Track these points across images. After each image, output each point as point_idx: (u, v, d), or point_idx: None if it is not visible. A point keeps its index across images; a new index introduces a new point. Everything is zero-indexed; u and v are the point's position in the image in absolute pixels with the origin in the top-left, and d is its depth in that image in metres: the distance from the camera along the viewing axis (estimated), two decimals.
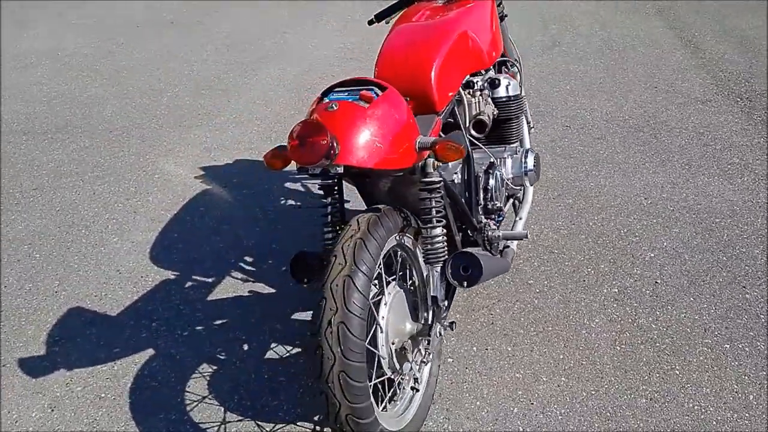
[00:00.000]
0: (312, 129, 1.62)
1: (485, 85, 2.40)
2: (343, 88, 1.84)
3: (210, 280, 2.77)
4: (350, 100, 1.75)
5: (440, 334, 1.94)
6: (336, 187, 2.02)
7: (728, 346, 2.26)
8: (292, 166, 1.74)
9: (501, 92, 2.42)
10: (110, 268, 2.85)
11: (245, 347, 2.42)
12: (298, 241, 2.96)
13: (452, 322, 1.96)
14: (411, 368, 1.90)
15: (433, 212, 1.90)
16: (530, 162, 2.46)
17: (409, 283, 2.03)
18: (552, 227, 2.91)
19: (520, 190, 2.57)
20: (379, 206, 1.89)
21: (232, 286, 2.72)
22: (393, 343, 1.87)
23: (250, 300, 2.65)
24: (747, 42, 4.54)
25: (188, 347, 2.42)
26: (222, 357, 2.38)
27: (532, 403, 2.12)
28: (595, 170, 3.32)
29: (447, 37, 2.18)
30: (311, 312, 2.55)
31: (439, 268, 1.91)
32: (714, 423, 2.00)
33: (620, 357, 2.25)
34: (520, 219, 2.49)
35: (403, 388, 1.96)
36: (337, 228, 2.02)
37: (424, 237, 1.92)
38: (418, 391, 1.96)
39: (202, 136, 3.96)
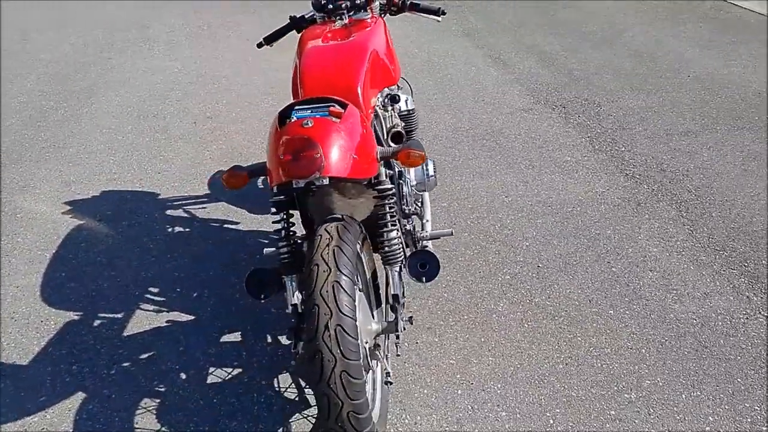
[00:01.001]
0: (304, 144, 1.69)
1: (387, 100, 2.59)
2: (304, 107, 1.91)
3: (119, 315, 2.63)
4: (321, 116, 1.84)
5: (404, 329, 2.08)
6: (290, 204, 2.08)
7: (612, 311, 2.66)
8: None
9: (402, 106, 2.62)
10: (5, 316, 2.59)
11: (183, 376, 2.36)
12: (200, 267, 2.91)
13: (410, 317, 2.10)
14: (383, 365, 2.01)
15: (388, 217, 2.04)
16: (431, 169, 2.68)
17: (361, 286, 2.15)
18: (437, 228, 3.16)
19: (422, 195, 2.79)
20: (337, 215, 1.99)
21: (145, 319, 2.61)
22: (366, 343, 1.97)
23: (171, 329, 2.56)
24: (546, 57, 5.22)
25: (121, 385, 2.30)
26: (162, 389, 2.29)
27: (472, 383, 2.33)
28: (457, 175, 3.65)
29: (363, 56, 2.32)
30: (241, 332, 2.55)
31: (398, 268, 2.05)
32: (620, 376, 2.35)
33: (530, 332, 2.55)
34: (427, 221, 2.70)
35: (375, 385, 2.07)
36: (292, 242, 2.07)
37: (381, 240, 2.05)
38: (391, 384, 2.08)
39: (54, 169, 3.68)
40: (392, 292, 2.06)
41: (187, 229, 3.18)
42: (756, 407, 2.21)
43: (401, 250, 2.06)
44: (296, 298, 2.07)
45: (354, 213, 2.10)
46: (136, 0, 7.05)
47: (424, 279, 2.04)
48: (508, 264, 2.93)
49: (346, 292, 1.76)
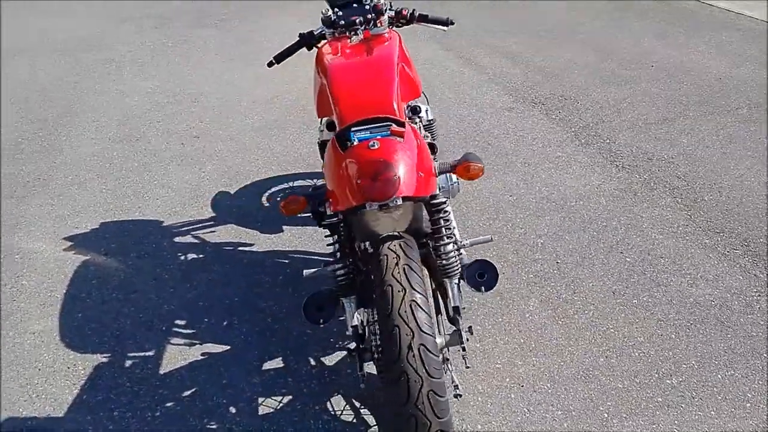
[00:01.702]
0: (381, 166, 1.66)
1: (409, 112, 2.57)
2: (362, 128, 1.88)
3: (150, 353, 2.53)
4: (384, 137, 1.81)
5: (467, 340, 2.07)
6: (342, 225, 2.04)
7: (636, 300, 2.71)
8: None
9: (424, 117, 2.61)
10: (27, 366, 2.45)
11: (232, 410, 2.28)
12: (223, 293, 2.82)
13: (470, 327, 2.09)
14: (452, 377, 2.00)
15: (444, 230, 2.02)
16: (454, 176, 2.67)
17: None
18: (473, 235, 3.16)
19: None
20: (393, 233, 1.96)
21: (179, 354, 2.52)
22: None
23: (209, 362, 2.48)
24: (514, 57, 5.28)
25: (169, 426, 2.21)
26: (213, 427, 2.22)
27: (522, 386, 2.34)
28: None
29: (392, 71, 2.30)
30: (281, 357, 2.49)
31: (456, 280, 2.04)
32: (658, 362, 2.40)
33: (565, 329, 2.58)
34: (455, 227, 2.70)
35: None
36: (348, 262, 2.03)
37: (439, 254, 2.03)
38: (461, 396, 2.06)
39: (45, 204, 3.50)
40: (452, 304, 2.04)
41: (201, 255, 3.08)
42: None
43: (458, 262, 2.04)
44: (356, 319, 2.04)
45: (401, 228, 2.07)
46: (88, 18, 6.79)
47: (483, 288, 2.03)
48: (528, 263, 2.95)
49: (423, 310, 1.74)
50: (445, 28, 2.78)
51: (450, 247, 2.02)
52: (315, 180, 3.68)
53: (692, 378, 2.34)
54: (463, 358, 2.03)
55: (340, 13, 2.66)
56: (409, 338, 1.70)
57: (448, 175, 2.63)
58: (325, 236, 2.05)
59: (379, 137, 1.81)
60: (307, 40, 2.74)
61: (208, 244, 3.17)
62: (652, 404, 2.25)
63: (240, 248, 3.13)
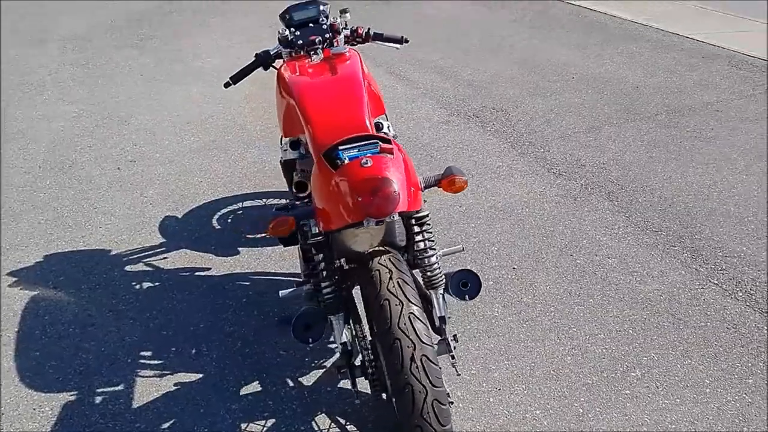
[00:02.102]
0: (381, 183, 1.69)
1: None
2: (350, 146, 1.90)
3: (120, 387, 2.43)
4: (374, 154, 1.84)
5: (454, 347, 2.11)
6: (325, 243, 2.05)
7: (591, 300, 2.85)
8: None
9: (388, 133, 2.65)
10: None
11: None
12: (187, 320, 2.76)
13: (455, 335, 2.14)
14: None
15: (428, 243, 2.07)
16: None
17: None
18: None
19: None
20: (378, 248, 1.99)
21: (150, 386, 2.44)
22: None
23: (183, 392, 2.41)
24: (443, 71, 5.43)
25: None
26: None
27: (499, 389, 2.41)
28: None
29: (361, 89, 2.34)
30: (258, 381, 2.45)
31: (441, 291, 2.09)
32: (621, 357, 2.53)
33: (531, 331, 2.67)
34: None
35: None
36: (334, 280, 2.04)
37: (424, 266, 2.07)
38: (452, 404, 2.10)
39: None
40: (438, 314, 2.09)
41: (157, 283, 3.00)
42: (737, 364, 2.47)
43: (442, 272, 2.09)
44: (345, 336, 2.06)
45: (375, 243, 2.08)
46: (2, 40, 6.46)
47: (467, 297, 2.09)
48: (487, 270, 3.04)
49: (420, 321, 1.79)
50: (399, 45, 2.85)
51: (434, 258, 2.07)
52: (265, 200, 3.65)
53: (654, 369, 2.48)
54: (453, 366, 2.08)
55: (298, 32, 2.68)
56: (411, 350, 1.74)
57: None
58: (312, 255, 2.06)
59: (369, 155, 1.84)
60: (263, 60, 2.74)
61: (163, 271, 3.08)
62: (622, 397, 2.37)
63: (197, 273, 3.07)
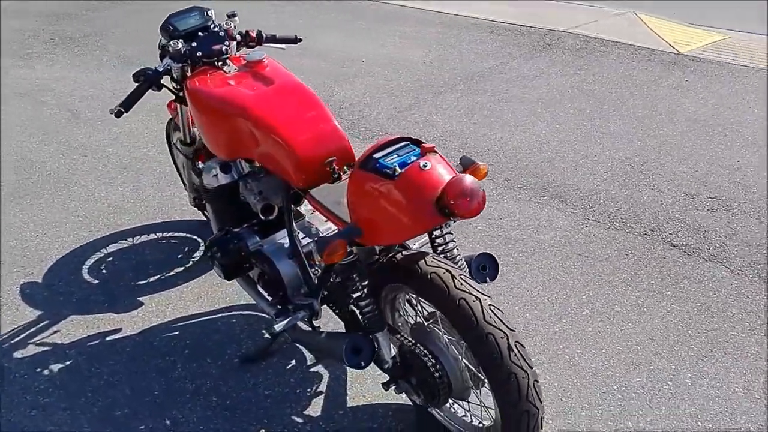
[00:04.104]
0: (472, 184, 1.63)
1: None
2: (386, 152, 1.78)
3: None
4: (424, 156, 1.74)
5: None
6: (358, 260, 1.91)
7: (512, 259, 3.06)
8: None
9: None
10: None
11: None
12: (136, 392, 2.35)
13: None
14: None
15: (447, 237, 2.03)
16: None
17: None
18: None
19: None
20: (414, 251, 1.94)
21: None
22: None
23: None
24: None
25: None
26: None
27: None
28: None
29: (313, 95, 2.22)
30: (266, 429, 2.20)
31: None
32: (556, 301, 2.80)
33: None
34: None
35: None
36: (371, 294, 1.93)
37: (450, 258, 2.04)
38: None
39: None
40: None
41: (69, 362, 2.47)
42: (646, 279, 2.88)
43: (462, 259, 2.09)
44: (393, 350, 1.97)
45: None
46: None
47: (487, 279, 2.11)
48: None
49: (499, 309, 1.79)
50: (295, 44, 2.71)
51: (456, 251, 2.06)
52: (131, 239, 3.20)
53: (596, 303, 2.76)
54: None
55: (194, 43, 2.40)
56: (506, 339, 1.74)
57: None
58: (335, 275, 1.92)
59: (414, 158, 1.75)
60: (154, 80, 2.40)
61: (65, 347, 2.57)
62: (585, 334, 2.61)
63: (109, 338, 2.61)
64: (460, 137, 4.14)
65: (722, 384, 2.34)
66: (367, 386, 2.37)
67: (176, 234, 3.28)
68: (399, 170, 1.72)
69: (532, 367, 1.77)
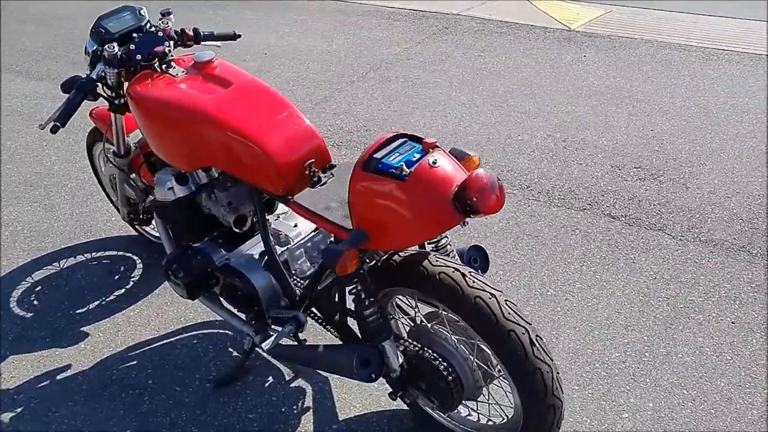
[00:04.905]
0: (492, 178, 1.54)
1: None
2: (386, 150, 1.65)
3: None
4: (420, 154, 1.63)
5: None
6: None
7: None
8: None
9: None
10: None
11: None
12: None
13: None
14: None
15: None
16: None
17: None
18: None
19: None
20: (421, 251, 1.84)
21: None
22: None
23: None
24: None
25: None
26: None
27: None
28: None
29: (276, 94, 2.06)
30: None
31: None
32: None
33: None
34: None
35: None
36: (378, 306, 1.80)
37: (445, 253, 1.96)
38: None
39: None
40: None
41: (19, 409, 2.16)
42: (593, 251, 2.95)
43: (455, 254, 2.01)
44: (400, 357, 1.86)
45: None
46: None
47: (479, 271, 2.04)
48: None
49: (515, 304, 1.73)
50: (234, 40, 2.51)
51: (449, 247, 1.97)
52: (59, 263, 2.87)
53: (558, 278, 2.79)
54: None
55: (132, 46, 2.15)
56: (527, 335, 1.69)
57: None
58: (352, 289, 1.77)
59: (416, 154, 1.64)
60: (90, 88, 2.13)
61: (13, 392, 2.25)
62: (556, 314, 2.63)
63: (60, 377, 2.32)
64: (384, 125, 4.05)
65: (694, 350, 2.43)
66: (354, 395, 2.26)
67: (106, 253, 2.98)
68: (407, 169, 1.60)
69: (552, 360, 1.73)
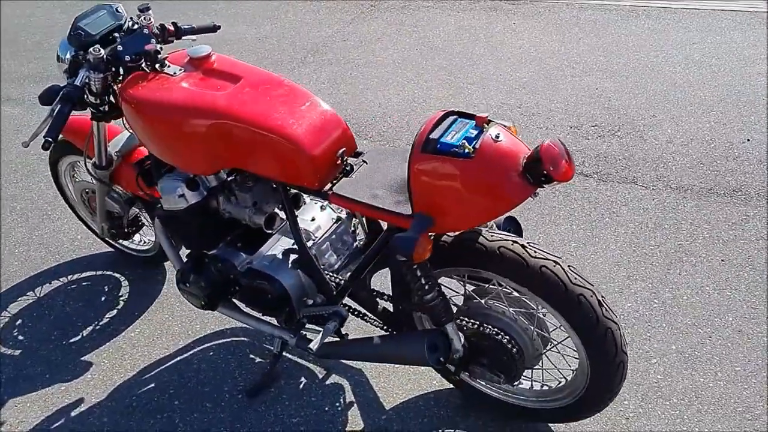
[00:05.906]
0: (563, 148, 1.50)
1: None
2: (442, 130, 1.57)
3: None
4: (476, 129, 1.57)
5: None
6: None
7: None
8: None
9: None
10: None
11: None
12: None
13: None
14: None
15: None
16: None
17: None
18: None
19: None
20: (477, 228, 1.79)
21: None
22: None
23: None
24: None
25: None
26: None
27: None
28: None
29: (290, 83, 1.94)
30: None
31: None
32: None
33: None
34: None
35: None
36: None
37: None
38: None
39: None
40: None
41: None
42: (585, 215, 3.02)
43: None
44: (461, 338, 1.81)
45: None
46: None
47: None
48: None
49: (576, 268, 1.72)
50: (214, 32, 2.34)
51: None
52: (34, 292, 2.61)
53: (537, 239, 2.81)
54: None
55: (119, 47, 1.96)
56: (595, 297, 1.69)
57: None
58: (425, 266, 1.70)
59: (472, 129, 1.57)
60: (77, 97, 1.93)
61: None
62: None
63: (74, 413, 2.11)
64: (340, 109, 3.94)
65: (696, 290, 2.52)
66: (393, 383, 2.20)
67: (84, 274, 2.74)
68: (470, 146, 1.54)
69: (617, 315, 1.74)
